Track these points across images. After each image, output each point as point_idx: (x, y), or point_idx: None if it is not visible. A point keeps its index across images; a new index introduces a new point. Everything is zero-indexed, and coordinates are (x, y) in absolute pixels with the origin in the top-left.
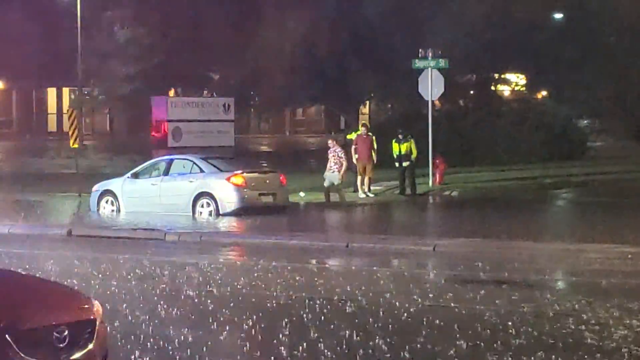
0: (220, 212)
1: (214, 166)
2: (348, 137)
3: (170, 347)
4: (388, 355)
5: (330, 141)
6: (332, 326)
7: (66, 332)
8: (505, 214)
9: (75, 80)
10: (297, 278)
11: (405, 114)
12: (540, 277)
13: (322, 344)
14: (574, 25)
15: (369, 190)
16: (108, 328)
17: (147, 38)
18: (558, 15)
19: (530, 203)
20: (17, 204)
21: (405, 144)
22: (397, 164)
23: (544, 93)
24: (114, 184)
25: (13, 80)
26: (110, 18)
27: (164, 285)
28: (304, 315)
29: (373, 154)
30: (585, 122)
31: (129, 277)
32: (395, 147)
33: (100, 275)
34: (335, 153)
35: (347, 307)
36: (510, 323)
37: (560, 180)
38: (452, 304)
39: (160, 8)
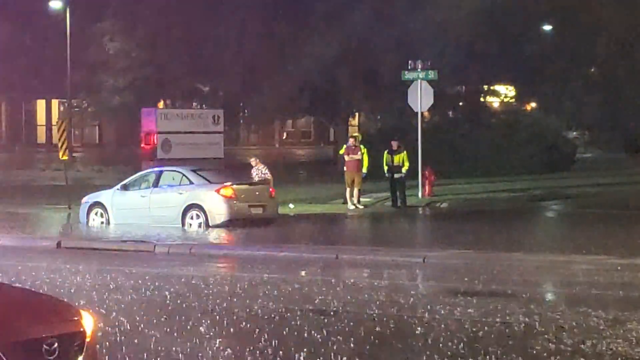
0: (210, 224)
1: (204, 178)
2: (341, 152)
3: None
4: None
5: (252, 160)
6: (322, 338)
7: (55, 345)
8: (495, 225)
9: (64, 92)
10: (287, 290)
11: (395, 125)
12: (530, 288)
13: (312, 356)
14: (563, 37)
15: (359, 201)
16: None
17: (136, 50)
18: (547, 27)
19: (520, 214)
20: (6, 216)
21: (398, 156)
22: (387, 175)
23: (533, 105)
24: (103, 196)
25: (2, 92)
26: (99, 30)
27: (154, 298)
28: (295, 327)
29: (364, 165)
30: (575, 133)
31: (119, 289)
32: (387, 157)
33: (89, 287)
34: (259, 171)
35: (337, 319)
36: (500, 335)
37: (550, 191)
38: (442, 316)
39: (149, 20)
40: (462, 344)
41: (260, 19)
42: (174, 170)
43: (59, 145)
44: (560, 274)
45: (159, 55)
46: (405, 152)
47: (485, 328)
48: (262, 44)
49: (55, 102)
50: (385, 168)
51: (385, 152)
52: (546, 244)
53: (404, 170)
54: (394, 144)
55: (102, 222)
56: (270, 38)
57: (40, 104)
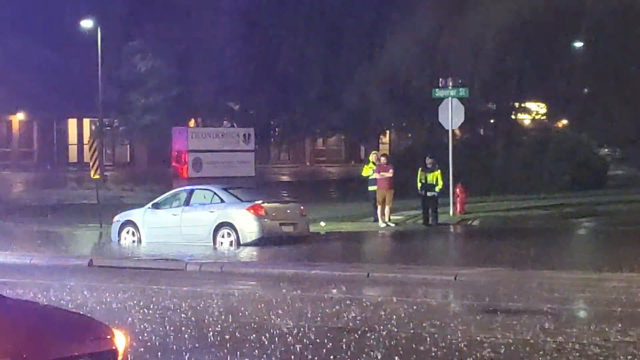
0: (241, 242)
1: (235, 196)
2: (363, 174)
3: None
4: None
5: None
6: (353, 356)
7: None
8: (526, 243)
9: (95, 111)
10: (318, 308)
11: (426, 143)
12: (562, 306)
13: None
14: (595, 54)
15: (389, 219)
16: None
17: (167, 69)
18: (578, 44)
19: (552, 232)
20: (38, 234)
21: (432, 174)
22: (420, 193)
23: (565, 122)
24: (134, 215)
25: (34, 112)
26: (131, 49)
27: (185, 316)
28: (325, 345)
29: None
30: (606, 150)
31: (150, 307)
32: (421, 175)
33: (121, 306)
34: None
35: (368, 337)
36: (532, 353)
37: (582, 209)
38: (473, 334)
39: (180, 39)
40: None
41: (289, 37)
42: (205, 189)
43: (91, 164)
44: (593, 292)
45: (190, 73)
46: (439, 170)
47: (518, 346)
48: (293, 63)
49: (86, 121)
50: (419, 185)
51: (420, 169)
52: (578, 261)
53: (437, 189)
54: (429, 162)
55: (133, 241)
56: (301, 57)
57: (72, 123)
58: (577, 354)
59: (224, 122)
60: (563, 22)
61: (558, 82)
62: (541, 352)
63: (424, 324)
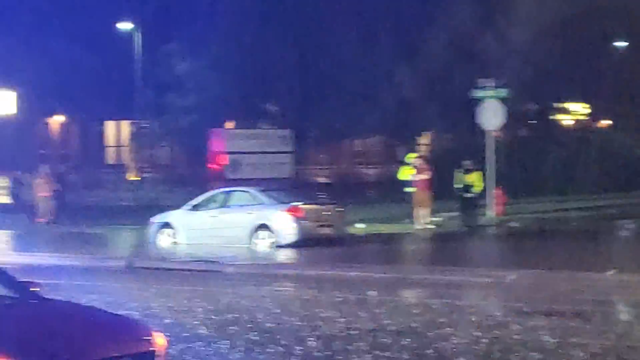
0: (279, 244)
1: (273, 198)
2: (400, 176)
3: None
4: None
5: None
6: (391, 359)
7: None
8: (567, 245)
9: (134, 113)
10: (356, 310)
11: (465, 144)
12: (604, 308)
13: None
14: (637, 53)
15: (428, 221)
16: None
17: (205, 70)
18: (620, 44)
19: (593, 234)
20: (76, 236)
21: (470, 175)
22: (460, 194)
23: (606, 122)
24: (172, 216)
25: (72, 114)
26: (168, 51)
27: (223, 318)
28: (364, 347)
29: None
30: None
31: (188, 309)
32: (459, 176)
33: (159, 307)
34: None
35: (407, 340)
36: (575, 356)
37: (624, 210)
38: (515, 337)
39: (217, 41)
40: None
41: (328, 39)
42: (243, 191)
43: (129, 166)
44: (635, 294)
45: (228, 75)
46: (477, 171)
47: (560, 349)
48: (330, 64)
49: (124, 123)
50: (457, 187)
51: (458, 171)
52: (620, 263)
53: (474, 190)
54: (467, 163)
55: (171, 242)
56: (338, 58)
57: (110, 125)
58: (621, 356)
59: (262, 123)
60: (605, 21)
61: (599, 82)
62: (584, 355)
63: (464, 327)
